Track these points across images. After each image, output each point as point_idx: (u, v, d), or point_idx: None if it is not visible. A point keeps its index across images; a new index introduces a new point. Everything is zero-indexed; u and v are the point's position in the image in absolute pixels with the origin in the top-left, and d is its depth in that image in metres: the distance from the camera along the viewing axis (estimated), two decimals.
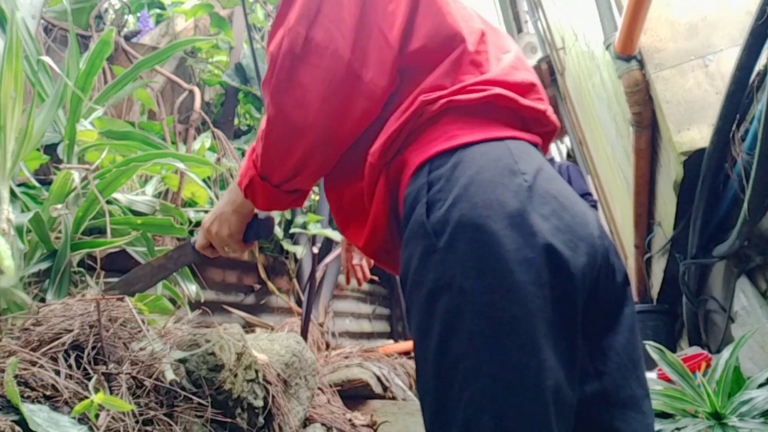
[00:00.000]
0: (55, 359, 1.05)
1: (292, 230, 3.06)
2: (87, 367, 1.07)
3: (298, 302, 2.96)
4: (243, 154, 2.89)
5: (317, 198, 3.56)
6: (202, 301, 1.95)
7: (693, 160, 2.25)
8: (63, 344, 1.07)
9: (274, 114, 0.94)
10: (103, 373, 1.06)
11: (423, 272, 0.81)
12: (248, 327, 2.55)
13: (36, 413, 0.91)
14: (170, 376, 1.12)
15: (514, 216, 0.79)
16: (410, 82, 0.94)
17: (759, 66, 1.74)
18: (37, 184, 1.88)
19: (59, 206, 1.63)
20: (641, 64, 2.40)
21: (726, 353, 1.73)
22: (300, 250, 3.03)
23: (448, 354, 0.77)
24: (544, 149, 1.04)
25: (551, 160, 4.95)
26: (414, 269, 0.83)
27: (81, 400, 0.97)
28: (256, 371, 1.39)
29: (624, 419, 0.84)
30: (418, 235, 0.83)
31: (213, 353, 1.23)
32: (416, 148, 0.90)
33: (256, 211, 1.15)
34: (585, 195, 4.44)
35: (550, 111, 1.01)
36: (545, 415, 0.74)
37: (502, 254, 0.77)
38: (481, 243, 0.78)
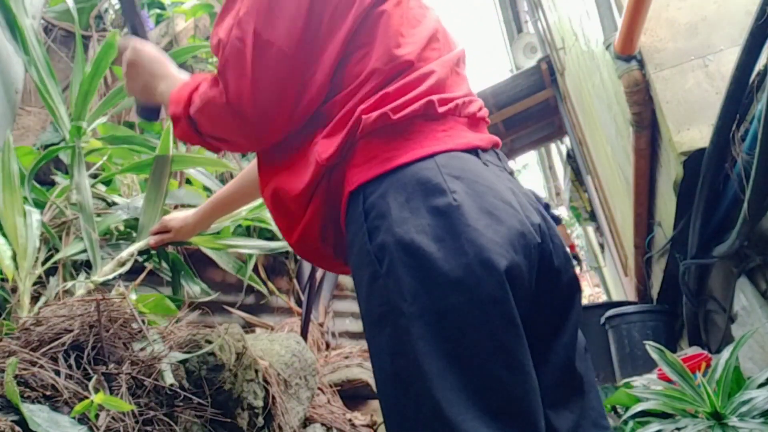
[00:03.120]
0: (55, 359, 1.05)
1: None
2: (87, 367, 1.07)
3: (298, 302, 2.95)
4: (243, 155, 2.87)
5: None
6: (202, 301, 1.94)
7: (693, 160, 2.24)
8: (63, 344, 1.07)
9: (231, 98, 0.93)
10: (103, 374, 1.06)
11: (370, 299, 0.84)
12: (248, 327, 2.55)
13: (36, 413, 0.91)
14: (170, 380, 1.12)
15: (444, 239, 0.80)
16: (350, 80, 0.94)
17: (759, 66, 1.74)
18: (38, 186, 1.88)
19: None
20: (641, 64, 2.40)
21: (726, 353, 1.73)
22: None
23: (400, 378, 0.79)
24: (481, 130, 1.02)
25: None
26: (364, 297, 0.87)
27: (81, 400, 0.97)
28: (256, 371, 1.39)
29: (557, 417, 0.86)
30: (364, 262, 0.85)
31: (213, 353, 1.23)
32: (355, 164, 0.91)
33: None
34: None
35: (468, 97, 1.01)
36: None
37: (435, 277, 0.78)
38: (417, 267, 0.79)
